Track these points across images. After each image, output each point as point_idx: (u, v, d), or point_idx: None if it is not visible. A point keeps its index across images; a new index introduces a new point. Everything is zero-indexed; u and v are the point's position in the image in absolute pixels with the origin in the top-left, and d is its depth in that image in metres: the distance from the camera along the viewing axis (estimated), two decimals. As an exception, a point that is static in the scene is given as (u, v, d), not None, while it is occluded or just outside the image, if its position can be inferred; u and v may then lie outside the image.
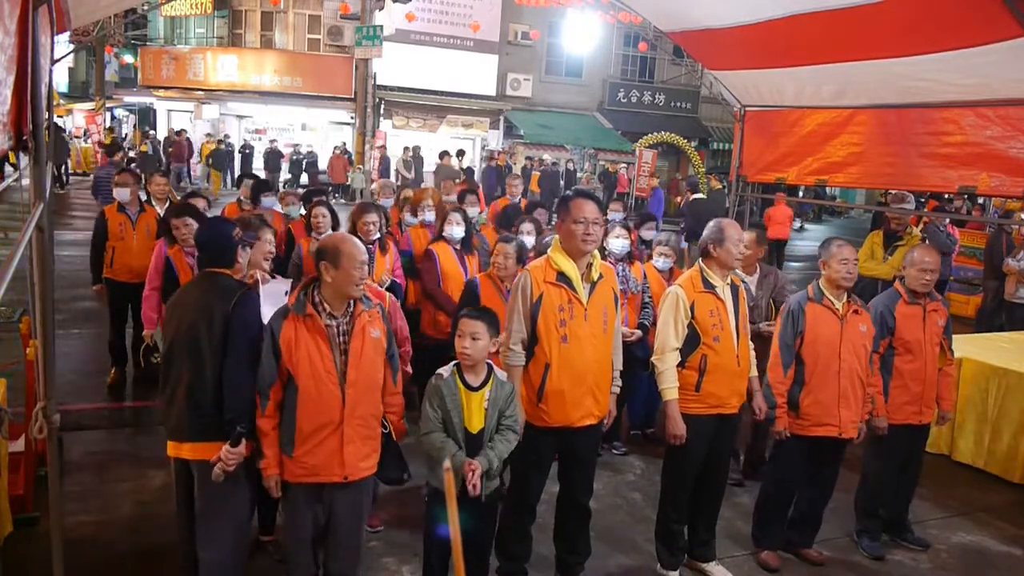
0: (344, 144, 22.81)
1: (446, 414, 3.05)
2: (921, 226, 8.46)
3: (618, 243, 5.06)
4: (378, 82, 22.27)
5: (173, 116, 25.62)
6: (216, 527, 3.05)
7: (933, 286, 4.21)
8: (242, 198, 6.45)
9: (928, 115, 5.27)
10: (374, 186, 9.91)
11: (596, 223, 3.32)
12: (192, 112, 24.55)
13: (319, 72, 23.03)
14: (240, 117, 24.94)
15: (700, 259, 3.77)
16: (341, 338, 2.92)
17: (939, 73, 4.77)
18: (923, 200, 14.81)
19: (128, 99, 27.85)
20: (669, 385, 3.63)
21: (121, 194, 5.88)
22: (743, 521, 4.42)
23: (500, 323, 3.23)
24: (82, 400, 5.67)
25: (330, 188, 20.05)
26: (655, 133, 22.21)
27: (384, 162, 20.82)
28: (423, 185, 13.68)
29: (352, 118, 22.88)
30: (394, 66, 21.63)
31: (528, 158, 22.40)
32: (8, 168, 8.28)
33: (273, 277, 3.51)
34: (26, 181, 3.33)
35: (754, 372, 3.90)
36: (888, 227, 6.82)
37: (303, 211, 6.08)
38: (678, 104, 26.56)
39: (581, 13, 21.49)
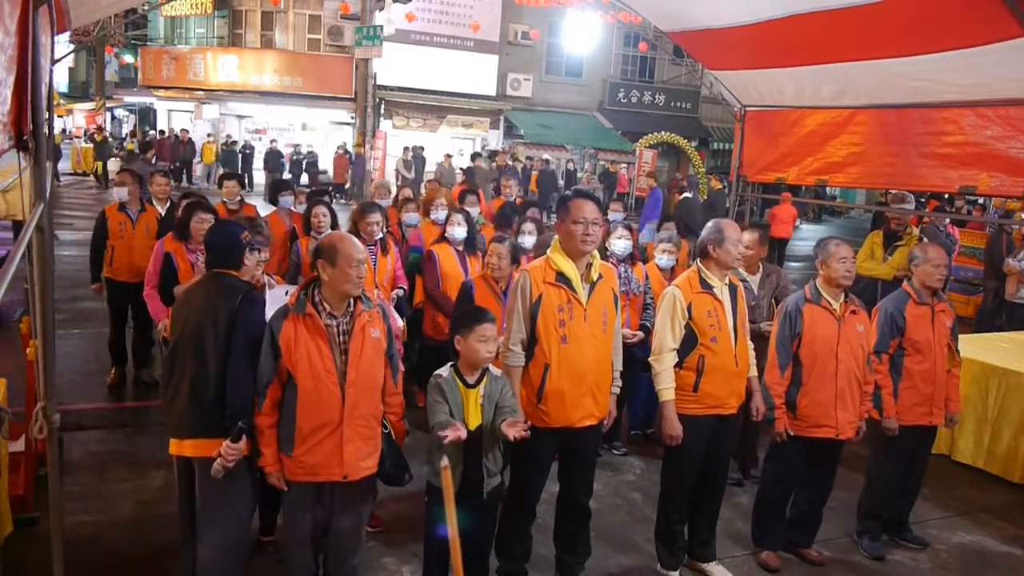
0: (345, 144, 22.83)
1: (449, 409, 3.08)
2: (921, 226, 8.46)
3: (620, 244, 5.06)
4: (378, 82, 22.26)
5: (173, 116, 25.68)
6: (215, 524, 3.05)
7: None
8: (225, 199, 6.32)
9: (928, 115, 5.27)
10: (371, 186, 9.87)
11: (596, 223, 3.32)
12: (192, 112, 24.58)
13: (319, 72, 23.05)
14: (240, 117, 24.98)
15: (698, 259, 3.75)
16: (341, 338, 2.92)
17: (939, 73, 4.77)
18: (923, 200, 14.81)
19: (128, 99, 27.93)
20: (666, 386, 3.63)
21: (120, 193, 5.88)
22: (743, 521, 4.42)
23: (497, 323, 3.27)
24: (82, 400, 5.66)
25: (331, 188, 20.04)
26: (655, 133, 22.18)
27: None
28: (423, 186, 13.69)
29: (352, 118, 22.89)
30: (394, 66, 21.63)
31: (513, 157, 22.24)
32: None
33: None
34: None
35: (753, 372, 3.89)
36: (888, 227, 6.81)
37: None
38: (678, 104, 26.58)
39: (581, 13, 21.51)
